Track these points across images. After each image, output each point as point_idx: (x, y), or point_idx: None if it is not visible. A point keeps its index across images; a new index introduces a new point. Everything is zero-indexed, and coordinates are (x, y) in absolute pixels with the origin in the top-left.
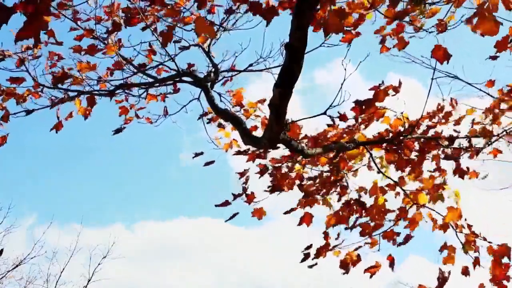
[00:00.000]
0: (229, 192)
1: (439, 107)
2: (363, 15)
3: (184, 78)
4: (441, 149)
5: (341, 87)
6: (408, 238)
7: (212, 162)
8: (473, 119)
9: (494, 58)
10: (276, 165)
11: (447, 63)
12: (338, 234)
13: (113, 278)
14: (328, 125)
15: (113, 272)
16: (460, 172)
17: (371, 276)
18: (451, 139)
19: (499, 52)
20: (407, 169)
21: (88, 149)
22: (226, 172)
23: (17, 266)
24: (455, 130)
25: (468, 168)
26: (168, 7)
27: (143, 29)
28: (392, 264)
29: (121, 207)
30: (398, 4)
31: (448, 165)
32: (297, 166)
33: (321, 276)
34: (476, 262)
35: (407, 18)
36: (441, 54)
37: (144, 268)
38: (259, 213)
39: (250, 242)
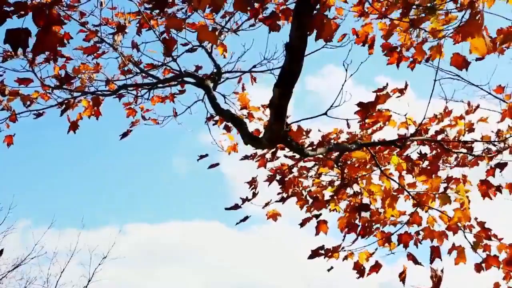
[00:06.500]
0: (221, 195)
1: (447, 110)
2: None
3: (186, 79)
4: (454, 156)
5: (341, 88)
6: (434, 251)
7: (216, 164)
8: (499, 130)
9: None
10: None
11: (466, 70)
12: (355, 240)
13: (110, 279)
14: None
15: (108, 274)
16: (487, 186)
17: (404, 282)
18: (469, 147)
19: None
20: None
21: (82, 151)
22: (218, 175)
23: (17, 266)
24: (473, 139)
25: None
26: (171, 17)
27: (159, 39)
28: (416, 261)
29: (112, 210)
30: (410, 11)
31: (458, 174)
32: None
33: (315, 278)
34: (487, 261)
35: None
36: (460, 61)
37: (136, 271)
38: (273, 215)
39: (243, 244)
